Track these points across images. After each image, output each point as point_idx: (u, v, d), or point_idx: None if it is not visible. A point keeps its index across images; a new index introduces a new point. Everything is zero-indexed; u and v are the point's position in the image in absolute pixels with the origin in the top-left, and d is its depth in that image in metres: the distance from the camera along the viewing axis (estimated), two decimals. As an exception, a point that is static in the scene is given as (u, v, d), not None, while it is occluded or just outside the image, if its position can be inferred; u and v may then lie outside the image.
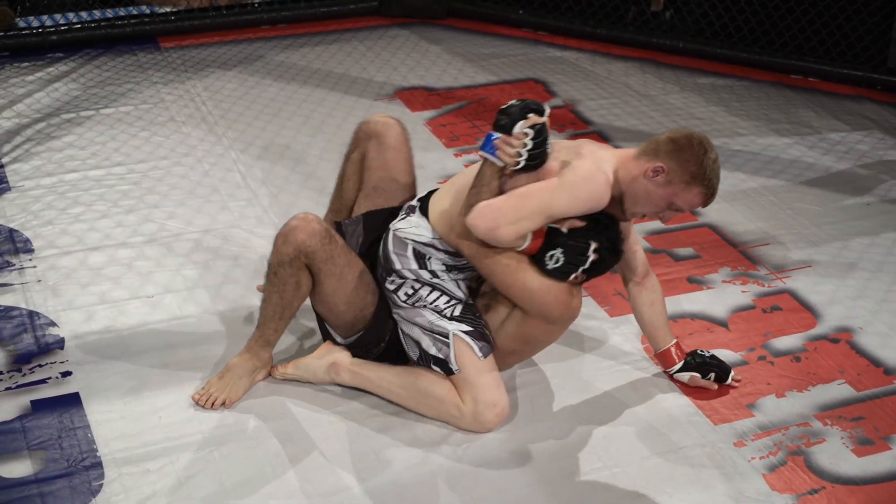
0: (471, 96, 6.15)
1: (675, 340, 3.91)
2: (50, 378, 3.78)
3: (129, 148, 5.34)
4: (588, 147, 3.61)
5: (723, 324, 4.28)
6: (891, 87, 6.45)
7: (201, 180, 5.08)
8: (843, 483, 3.53)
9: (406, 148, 3.99)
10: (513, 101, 3.56)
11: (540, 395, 3.86)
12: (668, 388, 3.90)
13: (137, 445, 3.51)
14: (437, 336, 3.64)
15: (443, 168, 5.31)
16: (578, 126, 5.83)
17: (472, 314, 3.68)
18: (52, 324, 4.05)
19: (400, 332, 3.75)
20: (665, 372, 3.94)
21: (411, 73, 6.41)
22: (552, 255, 3.50)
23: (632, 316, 4.02)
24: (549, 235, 3.49)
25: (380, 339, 3.75)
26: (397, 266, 3.68)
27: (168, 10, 6.76)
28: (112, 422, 3.60)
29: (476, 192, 3.50)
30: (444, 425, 3.64)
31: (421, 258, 3.67)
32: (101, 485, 3.35)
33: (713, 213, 4.99)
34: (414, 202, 3.78)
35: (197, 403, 3.67)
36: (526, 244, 3.49)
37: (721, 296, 4.45)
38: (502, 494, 3.41)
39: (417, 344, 3.68)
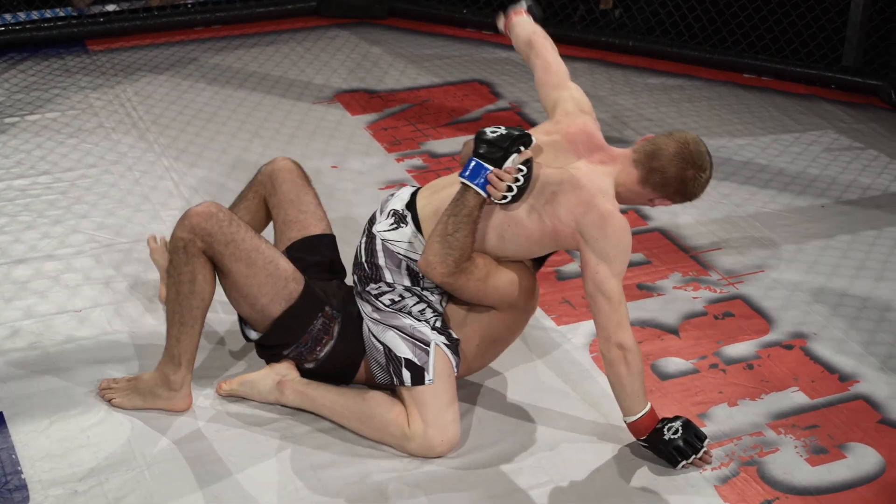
0: (413, 98, 6.16)
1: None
2: (-28, 397, 3.76)
3: (55, 156, 5.31)
4: (586, 179, 3.56)
5: (673, 331, 4.31)
6: (845, 85, 6.52)
7: (132, 189, 5.06)
8: (797, 493, 3.56)
9: (302, 180, 4.03)
10: (500, 130, 3.56)
11: (486, 404, 3.87)
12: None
13: (64, 466, 3.48)
14: (418, 342, 3.62)
15: (383, 174, 5.31)
16: (526, 128, 5.83)
17: (449, 329, 3.70)
18: (-25, 340, 4.03)
19: (368, 340, 3.71)
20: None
21: (351, 75, 6.41)
22: (671, 427, 3.60)
23: (580, 323, 4.05)
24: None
25: (303, 328, 3.69)
26: (388, 279, 3.66)
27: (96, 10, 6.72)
28: (37, 442, 3.57)
29: (455, 223, 3.51)
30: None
31: (415, 276, 3.66)
32: (26, 508, 3.33)
33: (663, 216, 5.03)
34: (400, 208, 3.72)
35: (98, 387, 3.74)
36: (637, 417, 3.59)
37: (672, 302, 4.48)
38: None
39: (387, 348, 3.65)
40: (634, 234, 4.79)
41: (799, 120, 6.16)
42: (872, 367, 4.16)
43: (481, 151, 3.52)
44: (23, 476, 3.43)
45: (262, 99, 6.05)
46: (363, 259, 3.72)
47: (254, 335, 3.78)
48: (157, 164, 5.29)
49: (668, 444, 3.58)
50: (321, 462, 3.57)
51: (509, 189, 3.49)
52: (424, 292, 3.68)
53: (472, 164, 3.52)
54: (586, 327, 4.24)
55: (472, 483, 3.52)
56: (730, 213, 5.14)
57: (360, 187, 5.19)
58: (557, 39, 6.84)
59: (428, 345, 3.63)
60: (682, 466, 3.60)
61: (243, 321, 3.80)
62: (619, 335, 3.50)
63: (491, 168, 3.50)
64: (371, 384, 3.80)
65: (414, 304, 3.67)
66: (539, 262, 3.81)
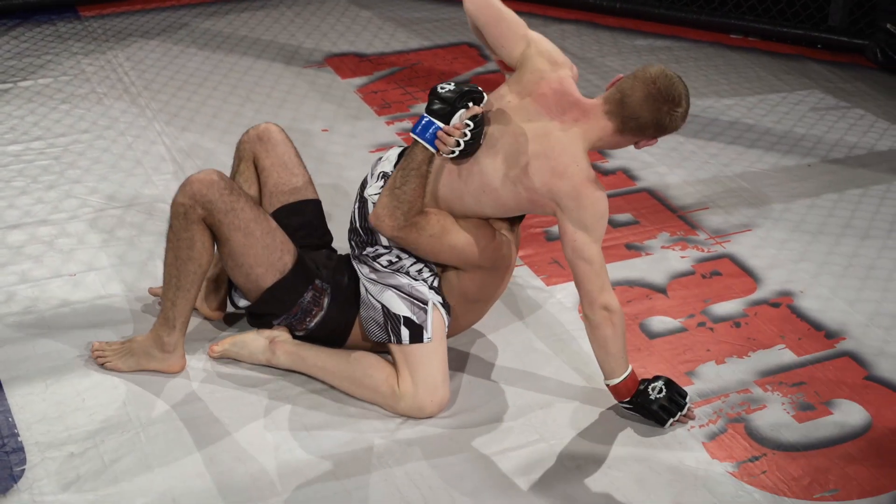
0: (403, 62, 6.14)
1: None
2: (-32, 362, 3.76)
3: (48, 122, 5.29)
4: (555, 137, 3.51)
5: (662, 290, 4.31)
6: (831, 45, 6.51)
7: (124, 153, 5.04)
8: (783, 449, 3.58)
9: (291, 144, 4.01)
10: (449, 86, 3.54)
11: (475, 365, 3.88)
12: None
13: (60, 429, 3.48)
14: (416, 301, 3.63)
15: (374, 136, 5.30)
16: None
17: (441, 290, 3.70)
18: (-30, 305, 4.03)
19: (365, 299, 3.70)
20: None
21: (341, 38, 6.39)
22: (655, 387, 3.61)
23: (569, 283, 4.06)
24: None
25: (293, 300, 3.70)
26: (384, 241, 3.65)
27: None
28: (34, 405, 3.57)
29: (404, 176, 3.52)
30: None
31: None
32: (23, 470, 3.32)
33: (651, 177, 5.03)
34: (390, 170, 3.67)
35: (91, 350, 3.74)
36: (620, 379, 3.58)
37: (660, 262, 4.48)
38: (438, 470, 3.42)
39: (385, 307, 3.64)
40: (622, 194, 4.82)
41: (785, 80, 6.15)
42: (858, 324, 4.17)
43: (432, 108, 3.50)
44: (20, 439, 3.43)
45: (253, 63, 6.03)
46: (357, 224, 3.71)
47: (243, 303, 3.79)
48: (149, 129, 5.27)
49: (653, 404, 3.59)
50: (313, 423, 3.57)
51: (457, 144, 3.47)
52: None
53: (424, 120, 3.51)
54: (574, 287, 4.24)
55: (463, 442, 3.53)
56: (717, 172, 5.14)
57: (351, 150, 5.18)
58: (546, 2, 6.90)
59: (426, 304, 3.63)
60: (670, 425, 3.61)
61: (234, 288, 3.81)
62: (604, 297, 3.49)
63: (440, 124, 3.49)
64: (363, 347, 3.80)
65: (411, 265, 3.66)
66: (517, 219, 3.77)
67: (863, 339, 4.09)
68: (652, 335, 4.06)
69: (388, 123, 5.45)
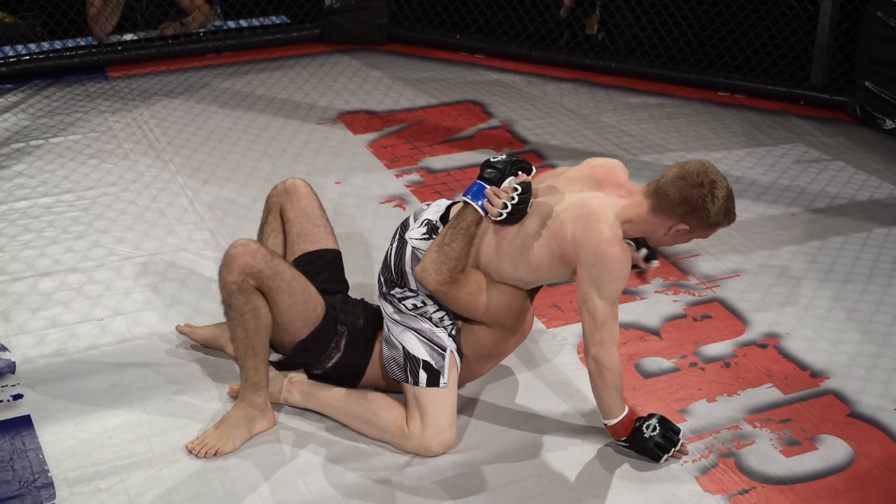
0: (411, 118, 6.17)
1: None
2: (1, 401, 3.75)
3: (77, 175, 5.31)
4: (595, 206, 3.51)
5: (655, 332, 4.31)
6: (814, 102, 6.53)
7: (149, 205, 5.06)
8: (772, 483, 3.57)
9: (315, 197, 4.03)
10: (501, 157, 3.61)
11: (480, 404, 3.87)
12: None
13: (88, 465, 3.48)
14: (435, 346, 3.63)
15: (384, 189, 5.32)
16: (515, 145, 5.86)
17: (459, 339, 3.71)
18: (3, 348, 4.02)
19: (388, 337, 3.69)
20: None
21: (353, 97, 6.42)
22: (650, 426, 3.60)
23: (568, 326, 4.07)
24: None
25: (323, 349, 3.71)
26: (413, 286, 3.65)
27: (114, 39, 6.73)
28: (63, 442, 3.58)
29: (453, 235, 3.53)
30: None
31: None
32: (52, 504, 3.33)
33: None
34: (435, 219, 3.69)
35: (190, 452, 3.56)
36: (614, 421, 3.58)
37: (653, 306, 4.48)
38: (444, 502, 3.42)
39: (405, 348, 3.63)
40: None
41: (770, 134, 6.17)
42: (841, 364, 4.16)
43: (484, 175, 3.57)
44: (49, 474, 3.43)
45: (270, 120, 6.05)
46: (392, 262, 3.70)
47: (274, 357, 3.77)
48: (173, 182, 5.29)
49: (648, 441, 3.59)
50: (328, 458, 3.56)
51: (504, 206, 3.50)
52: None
53: (475, 185, 3.57)
54: (573, 329, 4.24)
55: (468, 477, 3.52)
56: (707, 221, 5.14)
57: (363, 202, 5.19)
58: (545, 62, 6.94)
59: (444, 350, 3.63)
60: (665, 460, 3.60)
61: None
62: (597, 351, 3.48)
63: (490, 188, 3.54)
64: (375, 386, 3.80)
65: (434, 311, 3.66)
66: (534, 290, 3.77)
67: (845, 379, 4.08)
68: (647, 375, 4.05)
69: (397, 176, 5.47)
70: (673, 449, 3.60)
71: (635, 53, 6.93)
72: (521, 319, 3.74)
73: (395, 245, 3.73)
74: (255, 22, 7.20)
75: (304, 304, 3.63)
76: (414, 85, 6.63)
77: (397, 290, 3.69)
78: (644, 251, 3.75)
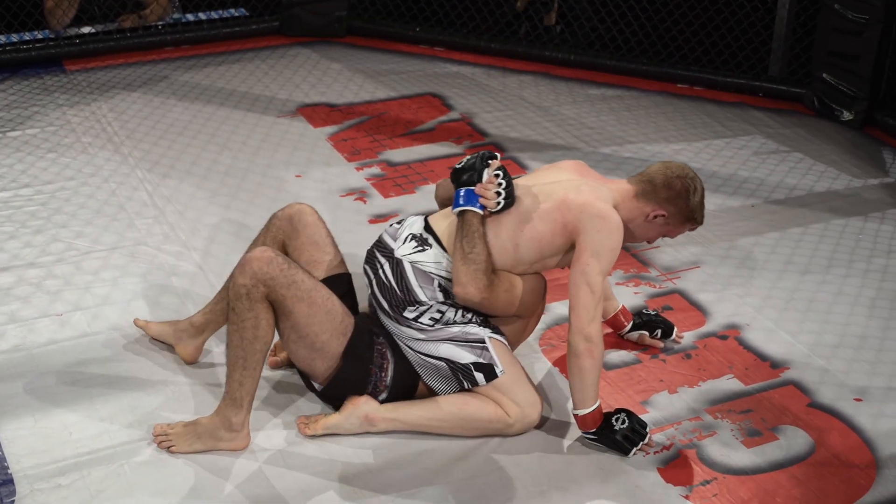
0: (371, 111, 6.14)
1: (621, 305, 4.13)
2: (-40, 398, 3.72)
3: (36, 170, 5.26)
4: (589, 184, 3.70)
5: (617, 324, 4.31)
6: (772, 94, 6.56)
7: (108, 199, 5.02)
8: (733, 473, 3.58)
9: (322, 224, 3.88)
10: (466, 158, 3.69)
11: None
12: (566, 388, 3.91)
13: (49, 461, 3.45)
14: (474, 344, 3.61)
15: (345, 181, 5.29)
16: (475, 138, 5.85)
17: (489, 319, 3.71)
18: (-38, 344, 3.99)
19: (419, 360, 3.64)
20: (616, 334, 4.11)
21: (313, 90, 6.39)
22: (619, 418, 3.63)
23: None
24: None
25: (369, 361, 3.61)
26: (422, 297, 3.62)
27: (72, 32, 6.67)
28: (23, 438, 3.54)
29: (469, 242, 3.54)
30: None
31: (446, 292, 3.64)
32: (12, 501, 3.28)
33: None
34: (419, 232, 3.69)
35: (153, 434, 3.54)
36: (588, 410, 3.61)
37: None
38: (408, 497, 3.40)
39: (447, 360, 3.60)
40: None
41: (729, 126, 6.19)
42: (801, 354, 4.18)
43: (462, 179, 3.62)
44: (9, 471, 3.40)
45: (230, 113, 6.01)
46: (392, 284, 3.64)
47: (318, 386, 3.67)
48: (132, 176, 5.25)
49: (617, 434, 3.60)
50: (293, 453, 3.54)
51: (499, 194, 3.58)
52: (457, 304, 3.66)
53: (461, 193, 3.61)
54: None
55: (432, 471, 3.51)
56: (667, 213, 5.16)
57: (323, 195, 5.17)
58: (504, 55, 6.94)
59: (483, 342, 3.62)
60: (633, 454, 3.61)
61: (304, 376, 3.71)
62: (591, 328, 3.53)
63: (475, 188, 3.60)
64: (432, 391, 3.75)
65: (454, 314, 3.63)
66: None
67: (805, 369, 4.10)
68: (609, 367, 4.05)
69: (357, 169, 5.45)
70: (641, 443, 3.62)
71: (594, 46, 6.94)
72: (545, 302, 3.83)
73: (385, 267, 3.68)
74: (214, 14, 7.14)
75: (327, 314, 3.52)
76: (374, 78, 6.61)
77: (409, 309, 3.63)
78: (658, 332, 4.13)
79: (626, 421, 3.62)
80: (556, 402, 3.83)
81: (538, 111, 6.25)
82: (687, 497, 3.46)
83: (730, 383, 4.01)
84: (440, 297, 3.63)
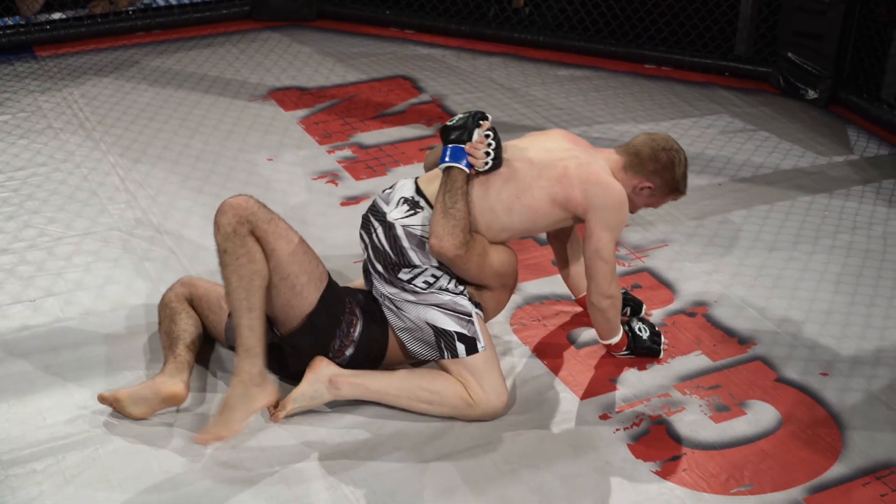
0: (342, 94, 6.12)
1: None
2: (-66, 385, 3.69)
3: (7, 156, 5.22)
4: (587, 155, 3.76)
5: (587, 303, 4.32)
6: (738, 73, 6.57)
7: (80, 185, 4.99)
8: (702, 448, 3.59)
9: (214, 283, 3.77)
10: (455, 117, 3.69)
11: (415, 378, 3.85)
12: (536, 364, 3.93)
13: (23, 447, 3.43)
14: (461, 315, 3.63)
15: (316, 165, 5.28)
16: (446, 119, 5.81)
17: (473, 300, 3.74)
18: (-65, 331, 3.96)
19: (405, 324, 3.65)
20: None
21: (284, 73, 6.36)
22: (639, 328, 3.98)
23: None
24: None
25: (341, 312, 3.60)
26: (416, 261, 3.63)
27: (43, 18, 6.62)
28: (-3, 425, 3.53)
29: (451, 197, 3.56)
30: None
31: None
32: (-13, 487, 3.28)
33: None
34: (410, 195, 3.70)
35: (202, 445, 3.45)
36: (618, 338, 3.92)
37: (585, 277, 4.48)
38: (380, 476, 3.40)
39: (433, 326, 3.61)
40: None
41: (696, 105, 6.20)
42: (768, 330, 4.19)
43: (451, 138, 3.63)
44: (-16, 457, 3.39)
45: (201, 98, 5.98)
46: (386, 247, 3.65)
47: (287, 332, 3.61)
48: (104, 161, 5.22)
49: (646, 341, 3.96)
50: (265, 434, 3.54)
51: (487, 154, 3.61)
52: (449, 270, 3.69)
53: (449, 150, 3.63)
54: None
55: (406, 449, 3.51)
56: (635, 192, 5.16)
57: (295, 178, 5.15)
58: (474, 37, 6.92)
59: (470, 316, 3.64)
60: (664, 349, 3.99)
61: (271, 324, 3.63)
62: (611, 289, 3.74)
63: (464, 146, 3.62)
64: (399, 365, 3.75)
65: (448, 282, 3.65)
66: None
67: (772, 345, 4.11)
68: (579, 345, 4.06)
69: (329, 152, 5.43)
70: (662, 341, 4.00)
71: (563, 27, 6.93)
72: (517, 278, 3.85)
73: (379, 231, 3.68)
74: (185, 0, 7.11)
75: (306, 255, 3.54)
76: (344, 61, 6.58)
77: (404, 271, 3.64)
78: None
79: (645, 329, 3.98)
80: (527, 383, 3.83)
81: (508, 92, 6.24)
82: (657, 472, 3.47)
83: (698, 359, 4.02)
84: (434, 261, 3.65)
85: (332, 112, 5.90)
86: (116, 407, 3.53)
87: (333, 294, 3.63)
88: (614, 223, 3.68)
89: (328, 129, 5.69)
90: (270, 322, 3.63)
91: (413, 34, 7.03)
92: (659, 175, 3.79)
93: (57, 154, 5.27)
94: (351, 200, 4.96)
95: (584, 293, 4.10)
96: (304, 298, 3.56)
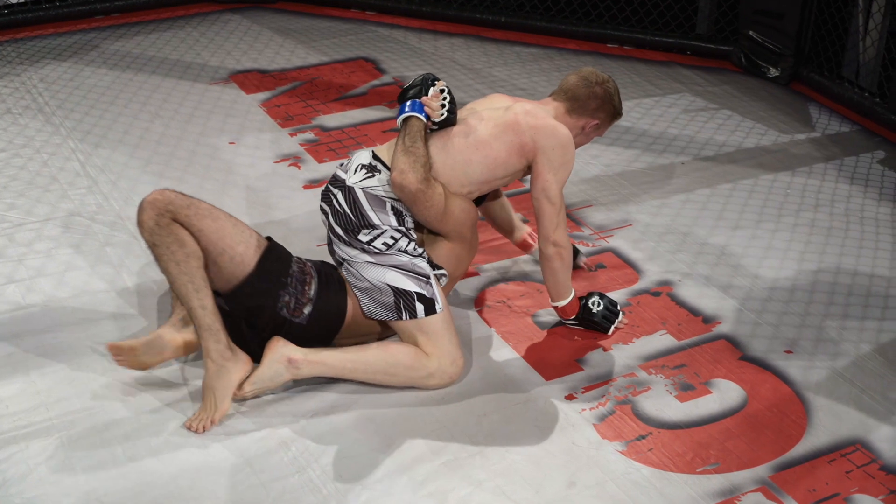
0: (304, 77, 6.09)
1: (528, 229, 4.38)
2: None
3: (-34, 142, 5.17)
4: (532, 105, 3.88)
5: (551, 284, 4.31)
6: (700, 52, 6.57)
7: (40, 170, 4.94)
8: (668, 428, 3.59)
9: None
10: (411, 80, 3.85)
11: (380, 361, 3.84)
12: (501, 345, 3.92)
13: (-15, 436, 3.40)
14: (420, 276, 3.69)
15: (279, 148, 5.24)
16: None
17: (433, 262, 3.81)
18: None
19: (364, 285, 3.68)
20: (529, 253, 4.39)
21: (245, 56, 6.32)
22: (594, 301, 4.00)
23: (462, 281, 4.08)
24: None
25: (282, 271, 3.60)
26: (375, 221, 3.69)
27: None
28: (-41, 414, 3.49)
29: (411, 138, 3.68)
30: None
31: (399, 215, 3.72)
32: (-50, 477, 3.25)
33: (539, 178, 5.02)
34: (367, 161, 3.77)
35: (193, 431, 3.46)
36: (566, 301, 3.96)
37: (549, 257, 4.48)
38: (350, 460, 3.39)
39: (392, 286, 3.65)
40: (511, 196, 4.81)
41: (658, 84, 6.19)
42: (732, 309, 4.20)
43: (409, 95, 3.79)
44: (-54, 447, 3.35)
45: (161, 81, 5.93)
46: (347, 210, 3.70)
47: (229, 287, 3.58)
48: (64, 146, 5.17)
49: (596, 315, 3.98)
50: (232, 421, 3.52)
51: (443, 106, 3.75)
52: (410, 231, 3.74)
53: (406, 104, 3.76)
54: (478, 282, 4.24)
55: (370, 433, 3.50)
56: (599, 172, 5.16)
57: (257, 161, 5.12)
58: (435, 18, 6.89)
59: (428, 277, 3.71)
60: (613, 330, 4.00)
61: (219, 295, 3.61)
62: (557, 235, 3.81)
63: (419, 99, 3.77)
64: (356, 334, 3.76)
65: (407, 244, 3.70)
66: (478, 201, 4.00)
67: (737, 323, 4.12)
68: (543, 326, 4.05)
69: (291, 135, 5.40)
70: (617, 320, 4.00)
71: (524, 7, 6.91)
72: (476, 232, 3.92)
73: (339, 196, 3.75)
74: (144, -18, 7.04)
75: (235, 227, 3.54)
76: (305, 43, 6.54)
77: (363, 232, 3.70)
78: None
79: (600, 303, 3.98)
80: (492, 364, 3.83)
81: (470, 73, 6.22)
82: (623, 452, 3.48)
83: (663, 339, 4.02)
84: (393, 221, 3.71)
85: (294, 94, 5.86)
86: (128, 354, 3.58)
87: (274, 254, 3.63)
88: (559, 163, 3.80)
89: (290, 111, 5.66)
90: (223, 297, 3.62)
91: (374, 15, 7.00)
92: (602, 109, 3.95)
93: (16, 139, 5.21)
94: (314, 183, 4.93)
95: (515, 229, 4.33)
96: (247, 266, 3.56)
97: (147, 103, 5.67)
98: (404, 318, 3.66)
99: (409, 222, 3.76)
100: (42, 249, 4.35)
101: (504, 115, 3.82)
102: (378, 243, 3.68)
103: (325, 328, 3.70)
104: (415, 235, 3.78)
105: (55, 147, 5.16)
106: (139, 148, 5.18)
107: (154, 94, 5.77)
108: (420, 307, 3.65)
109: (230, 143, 5.29)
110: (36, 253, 4.32)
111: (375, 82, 6.06)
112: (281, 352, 3.58)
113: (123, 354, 3.58)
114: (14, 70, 5.97)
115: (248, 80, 6.00)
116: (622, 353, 3.93)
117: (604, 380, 3.80)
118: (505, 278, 4.32)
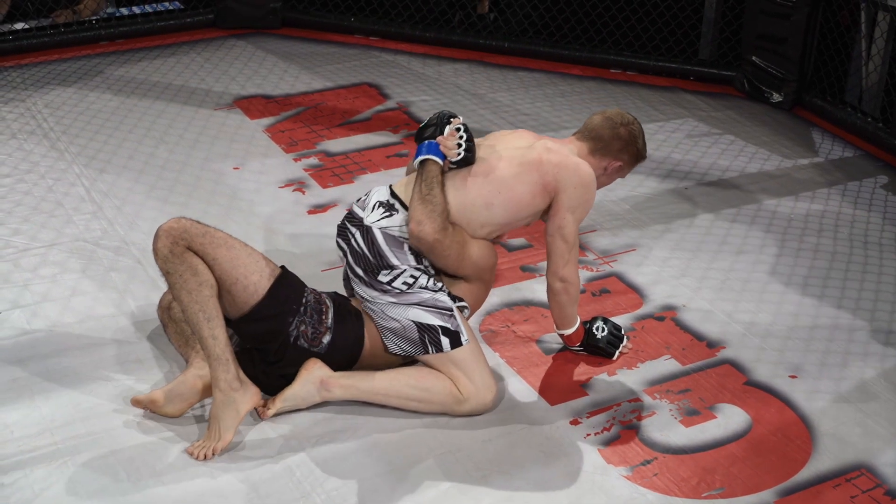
0: (308, 102, 6.11)
1: None
2: None
3: (-29, 167, 5.18)
4: (556, 143, 3.84)
5: (556, 308, 4.32)
6: (703, 77, 6.60)
7: (45, 195, 4.95)
8: (673, 452, 3.59)
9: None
10: (427, 119, 3.82)
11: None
12: (507, 373, 3.92)
13: (-10, 461, 3.41)
14: (442, 311, 3.67)
15: (283, 173, 5.26)
16: (412, 126, 5.82)
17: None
18: None
19: (389, 325, 3.67)
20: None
21: (249, 81, 6.34)
22: (598, 327, 4.02)
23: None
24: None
25: (293, 299, 3.60)
26: (394, 261, 3.66)
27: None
28: (-36, 439, 3.49)
29: (427, 185, 3.64)
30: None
31: (418, 256, 3.70)
32: (-46, 502, 3.25)
33: (542, 203, 5.03)
34: (385, 199, 3.74)
35: (195, 458, 3.46)
36: (572, 330, 3.96)
37: (553, 282, 4.49)
38: (356, 485, 3.39)
39: (416, 322, 3.64)
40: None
41: (662, 110, 6.21)
42: (736, 333, 4.21)
43: (425, 136, 3.74)
44: (-50, 472, 3.35)
45: (166, 107, 5.95)
46: (365, 251, 3.69)
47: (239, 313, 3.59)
48: (69, 172, 5.18)
49: (600, 341, 3.99)
50: (236, 446, 3.52)
51: (459, 146, 3.70)
52: (429, 268, 3.72)
53: (423, 146, 3.72)
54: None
55: (377, 458, 3.50)
56: (602, 197, 5.16)
57: (261, 186, 5.13)
58: (439, 43, 6.92)
59: (451, 311, 3.68)
60: (618, 355, 4.01)
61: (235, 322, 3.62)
62: (566, 271, 3.78)
63: (437, 140, 3.72)
64: (375, 360, 3.75)
65: (427, 281, 3.69)
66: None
67: (741, 348, 4.12)
68: (548, 351, 4.06)
69: (295, 160, 5.41)
70: (621, 345, 4.02)
71: (528, 33, 6.93)
72: (494, 274, 3.92)
73: (357, 236, 3.72)
74: (148, 8, 7.07)
75: (250, 256, 3.55)
76: (309, 68, 6.56)
77: (383, 274, 3.67)
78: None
79: (605, 328, 4.01)
80: (498, 389, 3.83)
81: (473, 98, 6.24)
82: (628, 477, 3.48)
83: (667, 364, 4.02)
84: (412, 261, 3.69)
85: (298, 120, 5.88)
86: (153, 408, 3.57)
87: (286, 281, 3.63)
88: (578, 202, 3.76)
89: (294, 136, 5.68)
90: (233, 325, 3.63)
91: (378, 41, 7.02)
92: (626, 151, 3.90)
93: (21, 165, 5.23)
94: (318, 208, 4.94)
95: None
96: (259, 294, 3.56)
97: (151, 128, 5.68)
98: (430, 352, 3.65)
99: (427, 260, 3.73)
100: (47, 274, 4.35)
101: (527, 153, 3.77)
102: (398, 283, 3.66)
103: (344, 357, 3.70)
104: (433, 270, 3.74)
105: (60, 172, 5.17)
106: (144, 173, 5.19)
107: (158, 120, 5.79)
108: (445, 340, 3.65)
109: (235, 168, 5.31)
110: (41, 278, 4.33)
111: (379, 107, 6.08)
112: (316, 374, 3.62)
113: (146, 408, 3.58)
114: (19, 95, 5.99)
115: (253, 105, 6.02)
116: (627, 378, 3.93)
117: (608, 405, 3.80)
118: (510, 303, 4.32)
